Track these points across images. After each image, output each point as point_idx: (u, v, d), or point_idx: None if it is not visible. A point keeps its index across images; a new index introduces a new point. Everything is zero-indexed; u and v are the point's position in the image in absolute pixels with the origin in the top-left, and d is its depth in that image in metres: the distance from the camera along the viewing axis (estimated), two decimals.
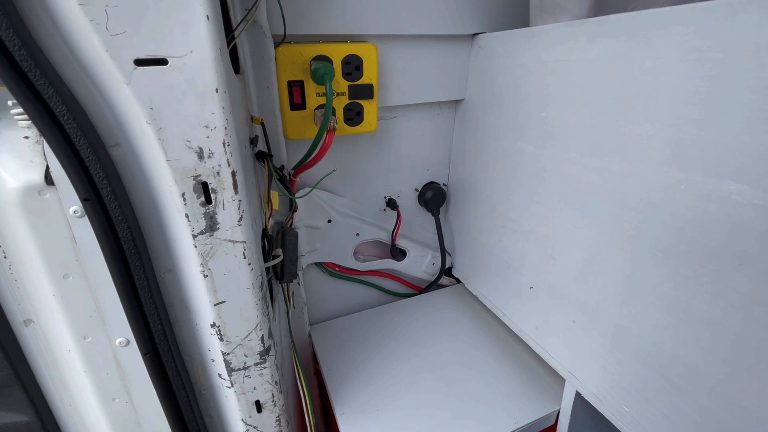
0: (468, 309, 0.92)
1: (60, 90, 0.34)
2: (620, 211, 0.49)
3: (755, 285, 0.37)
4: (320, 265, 0.83)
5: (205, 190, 0.41)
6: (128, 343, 0.58)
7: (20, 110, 0.49)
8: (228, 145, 0.41)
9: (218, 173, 0.41)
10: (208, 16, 0.36)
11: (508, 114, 0.66)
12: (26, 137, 0.52)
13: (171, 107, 0.37)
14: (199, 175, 0.40)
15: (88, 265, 0.54)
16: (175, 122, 0.38)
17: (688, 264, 0.42)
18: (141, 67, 0.35)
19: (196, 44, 0.36)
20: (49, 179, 0.52)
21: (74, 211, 0.52)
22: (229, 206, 0.43)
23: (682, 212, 0.42)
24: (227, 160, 0.41)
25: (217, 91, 0.38)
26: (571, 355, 0.61)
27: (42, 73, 0.33)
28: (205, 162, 0.40)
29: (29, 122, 0.49)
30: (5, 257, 0.56)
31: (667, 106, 0.41)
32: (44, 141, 0.51)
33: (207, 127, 0.39)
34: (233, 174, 0.42)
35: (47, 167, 0.51)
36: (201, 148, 0.40)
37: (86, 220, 0.53)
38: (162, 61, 0.36)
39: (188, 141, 0.39)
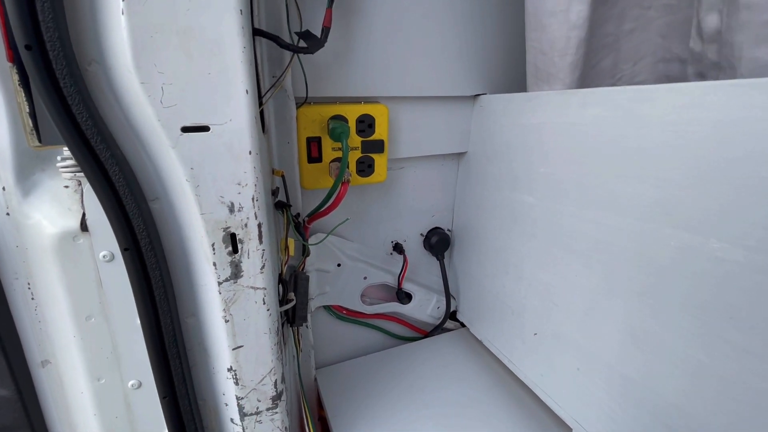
0: (473, 354, 0.92)
1: (115, 153, 0.39)
2: (617, 263, 0.52)
3: (745, 336, 0.39)
4: (328, 308, 0.84)
5: (233, 241, 0.45)
6: (140, 385, 0.59)
7: (65, 164, 0.53)
8: (256, 200, 0.45)
9: (246, 225, 0.45)
10: (247, 90, 0.41)
11: (508, 167, 0.71)
12: (66, 186, 0.56)
13: (209, 167, 0.42)
14: (229, 227, 0.44)
15: (110, 308, 0.56)
16: (211, 180, 0.42)
17: (683, 315, 0.45)
18: (186, 134, 0.40)
19: (235, 114, 0.41)
20: (84, 226, 0.55)
21: (103, 256, 0.56)
22: (254, 255, 0.46)
23: (675, 266, 0.45)
24: (255, 213, 0.45)
25: (250, 153, 0.43)
26: (577, 403, 0.62)
27: (102, 139, 0.38)
28: (235, 215, 0.44)
29: (71, 174, 0.54)
30: (32, 299, 0.59)
31: (653, 169, 0.46)
32: (83, 191, 0.55)
33: (239, 184, 0.43)
34: (259, 226, 0.46)
35: (83, 215, 0.55)
36: (232, 203, 0.44)
37: (113, 265, 0.56)
38: (205, 128, 0.40)
39: (222, 196, 0.43)
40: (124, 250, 0.41)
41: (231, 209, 0.44)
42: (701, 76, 0.52)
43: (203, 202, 0.42)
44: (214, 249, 0.44)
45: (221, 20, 0.38)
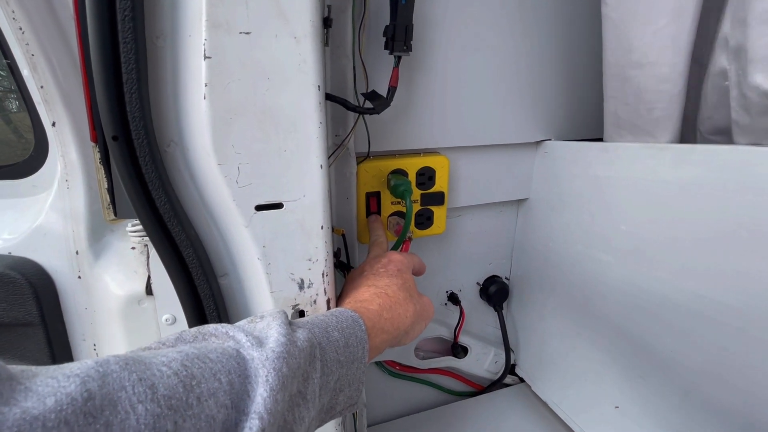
0: (536, 415, 0.84)
1: (189, 234, 0.38)
2: (729, 343, 0.45)
3: None
4: (380, 364, 0.80)
5: (301, 318, 0.42)
6: None
7: (134, 229, 0.54)
8: (326, 275, 0.42)
9: (315, 301, 0.43)
10: (321, 165, 0.39)
11: (579, 220, 0.66)
12: (133, 248, 0.56)
13: (281, 245, 0.40)
14: (298, 304, 0.42)
15: None
16: (282, 257, 0.40)
17: None
18: (260, 212, 0.38)
19: (308, 189, 0.39)
20: (149, 289, 0.55)
21: (166, 319, 0.55)
22: None
23: None
24: (324, 288, 0.43)
25: (322, 228, 0.41)
26: None
27: (178, 221, 0.37)
28: (304, 292, 0.42)
29: (140, 238, 0.54)
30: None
31: None
32: (149, 254, 0.55)
33: (310, 260, 0.41)
34: (328, 302, 0.43)
35: (149, 278, 0.55)
36: (302, 280, 0.41)
37: (175, 328, 0.55)
38: (278, 206, 0.39)
39: (292, 273, 0.41)
40: None
41: (301, 286, 0.41)
42: None
43: (273, 281, 0.40)
44: None
45: (300, 98, 0.37)
